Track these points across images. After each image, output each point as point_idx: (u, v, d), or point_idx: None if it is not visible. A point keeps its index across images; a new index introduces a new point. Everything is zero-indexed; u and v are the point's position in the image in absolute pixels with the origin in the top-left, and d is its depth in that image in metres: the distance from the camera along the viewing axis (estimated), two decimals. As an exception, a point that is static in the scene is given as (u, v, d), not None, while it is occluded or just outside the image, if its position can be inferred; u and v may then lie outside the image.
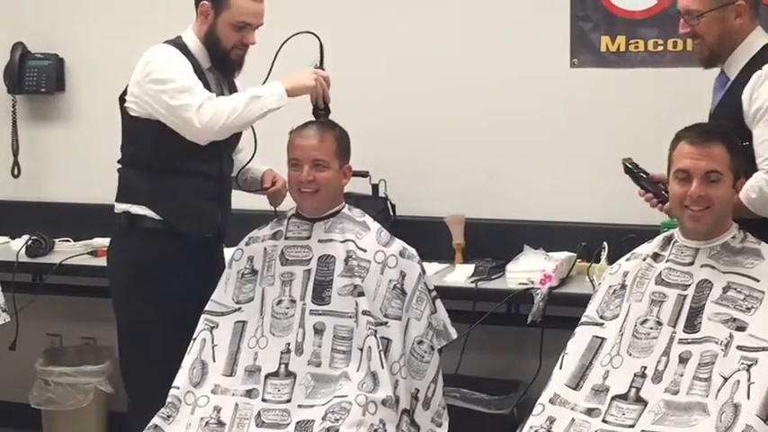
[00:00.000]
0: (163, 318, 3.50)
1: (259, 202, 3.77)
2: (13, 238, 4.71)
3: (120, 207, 3.59)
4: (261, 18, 3.53)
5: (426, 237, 4.00)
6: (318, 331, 3.33)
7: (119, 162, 3.63)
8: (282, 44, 3.51)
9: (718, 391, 2.89)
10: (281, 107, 3.41)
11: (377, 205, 4.21)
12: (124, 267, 3.61)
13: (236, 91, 3.62)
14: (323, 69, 3.53)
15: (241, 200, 3.76)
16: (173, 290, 3.50)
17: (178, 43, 3.53)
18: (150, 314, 3.52)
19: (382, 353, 3.26)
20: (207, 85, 3.48)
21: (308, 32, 3.53)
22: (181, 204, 3.51)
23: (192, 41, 3.54)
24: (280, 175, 3.65)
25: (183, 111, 3.36)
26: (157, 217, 3.53)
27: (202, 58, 3.53)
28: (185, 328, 3.42)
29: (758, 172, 3.19)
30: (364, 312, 3.29)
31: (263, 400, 3.28)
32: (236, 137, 3.60)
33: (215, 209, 3.62)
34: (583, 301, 3.33)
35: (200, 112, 3.34)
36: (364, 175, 4.17)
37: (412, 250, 3.46)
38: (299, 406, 3.25)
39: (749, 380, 2.85)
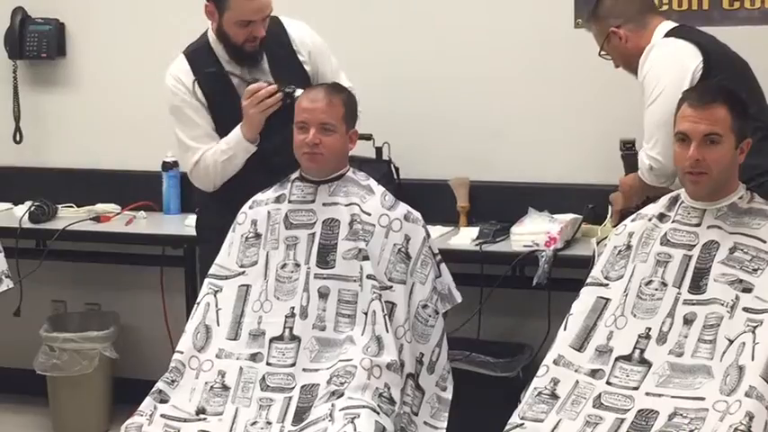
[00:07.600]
0: None
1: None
2: (15, 204, 4.69)
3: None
4: (264, 12, 3.56)
5: (430, 199, 3.99)
6: (323, 295, 3.32)
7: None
8: None
9: (723, 353, 2.89)
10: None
11: (380, 168, 4.18)
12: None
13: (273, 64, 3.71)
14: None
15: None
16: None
17: (202, 45, 3.66)
18: None
19: (387, 317, 3.25)
20: (228, 85, 3.64)
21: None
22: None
23: (212, 38, 3.66)
24: None
25: (183, 167, 3.62)
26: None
27: (224, 52, 3.66)
28: None
29: (641, 150, 3.52)
30: (369, 276, 3.28)
31: (268, 363, 3.28)
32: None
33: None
34: (589, 263, 3.32)
35: (192, 176, 3.74)
36: (368, 137, 4.14)
37: (416, 214, 3.44)
38: (304, 370, 3.25)
39: (754, 341, 2.85)
